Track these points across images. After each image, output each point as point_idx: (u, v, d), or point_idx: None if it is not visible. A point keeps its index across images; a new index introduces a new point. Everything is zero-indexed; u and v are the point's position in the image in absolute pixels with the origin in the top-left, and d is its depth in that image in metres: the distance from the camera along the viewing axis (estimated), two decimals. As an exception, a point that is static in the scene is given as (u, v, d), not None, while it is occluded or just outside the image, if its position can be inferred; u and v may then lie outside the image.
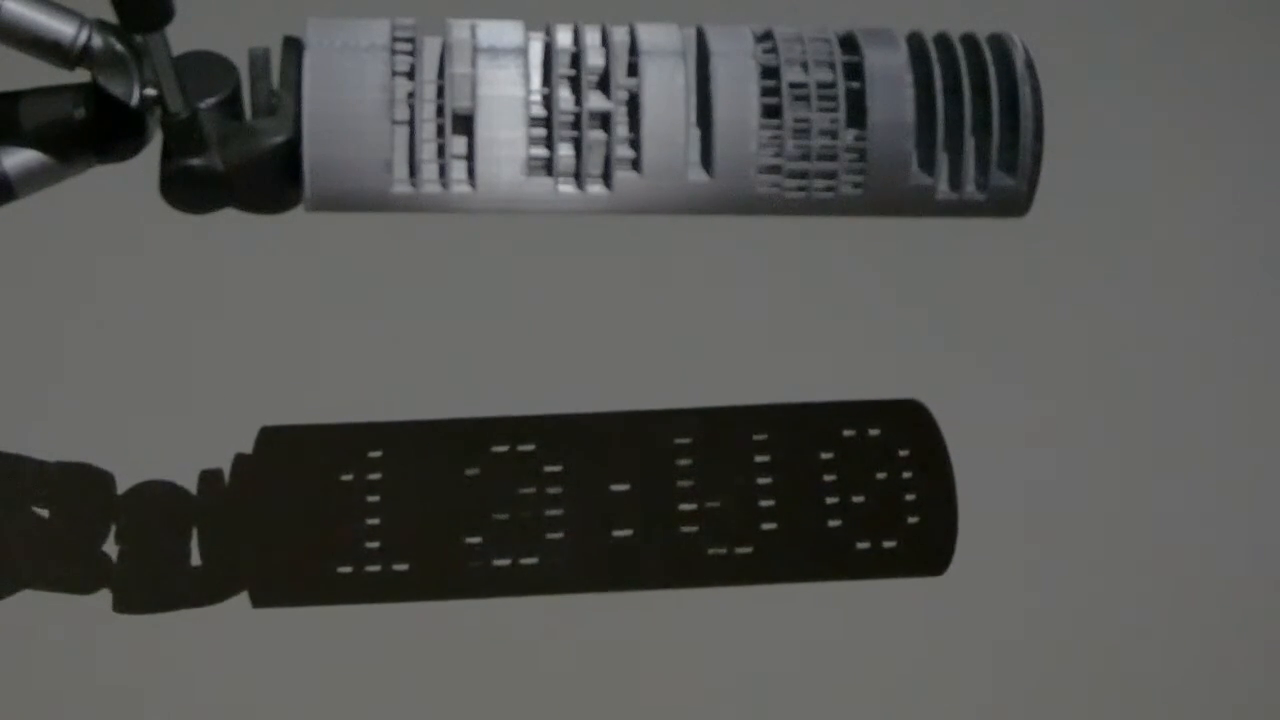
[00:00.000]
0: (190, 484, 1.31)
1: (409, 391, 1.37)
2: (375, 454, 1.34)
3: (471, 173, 0.88)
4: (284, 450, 1.33)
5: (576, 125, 0.89)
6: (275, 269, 1.42)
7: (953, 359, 1.43)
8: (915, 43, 0.90)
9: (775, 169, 0.89)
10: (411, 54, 0.88)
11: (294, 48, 0.88)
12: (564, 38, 0.90)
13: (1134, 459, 1.40)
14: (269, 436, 1.33)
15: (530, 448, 1.34)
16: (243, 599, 1.29)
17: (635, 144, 0.89)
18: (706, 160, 0.89)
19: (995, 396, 1.41)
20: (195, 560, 1.31)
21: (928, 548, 1.33)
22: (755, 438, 1.36)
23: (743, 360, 1.42)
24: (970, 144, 0.90)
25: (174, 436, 1.34)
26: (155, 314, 1.41)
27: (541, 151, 0.89)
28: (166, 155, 0.88)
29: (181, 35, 0.83)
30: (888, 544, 1.33)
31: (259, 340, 1.40)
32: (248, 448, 1.32)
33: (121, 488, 1.31)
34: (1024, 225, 0.92)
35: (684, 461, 1.35)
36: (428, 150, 0.88)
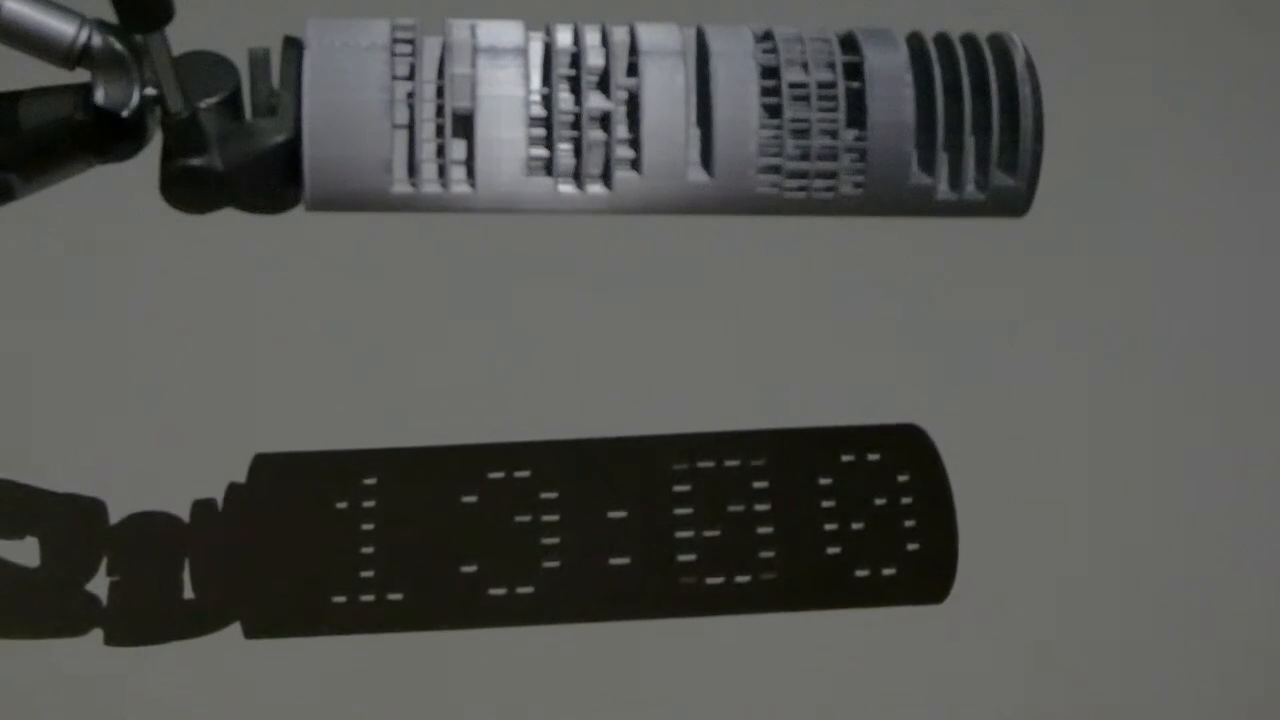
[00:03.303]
0: (183, 511, 1.30)
1: (407, 406, 1.37)
2: (370, 481, 1.33)
3: (471, 173, 0.88)
4: (278, 477, 1.32)
5: (576, 125, 0.89)
6: (275, 272, 1.42)
7: (953, 378, 1.42)
8: (915, 43, 0.90)
9: (775, 169, 0.89)
10: (411, 54, 0.88)
11: (294, 48, 0.88)
12: (564, 38, 0.90)
13: (1139, 483, 1.39)
14: (263, 463, 1.32)
15: (526, 474, 1.34)
16: (235, 630, 1.28)
17: (635, 144, 0.89)
18: (706, 160, 0.89)
19: (996, 418, 1.41)
20: (187, 591, 1.30)
21: (928, 575, 1.33)
22: (753, 463, 1.35)
23: (740, 382, 1.41)
24: (970, 144, 0.90)
25: (168, 458, 1.33)
26: (153, 324, 1.41)
27: (541, 151, 0.89)
28: (166, 155, 0.87)
29: (181, 35, 0.84)
30: (887, 571, 1.33)
31: (257, 355, 1.40)
32: (243, 463, 1.32)
33: (114, 507, 1.30)
34: (1024, 226, 0.92)
35: (682, 488, 1.34)
36: (428, 150, 0.88)
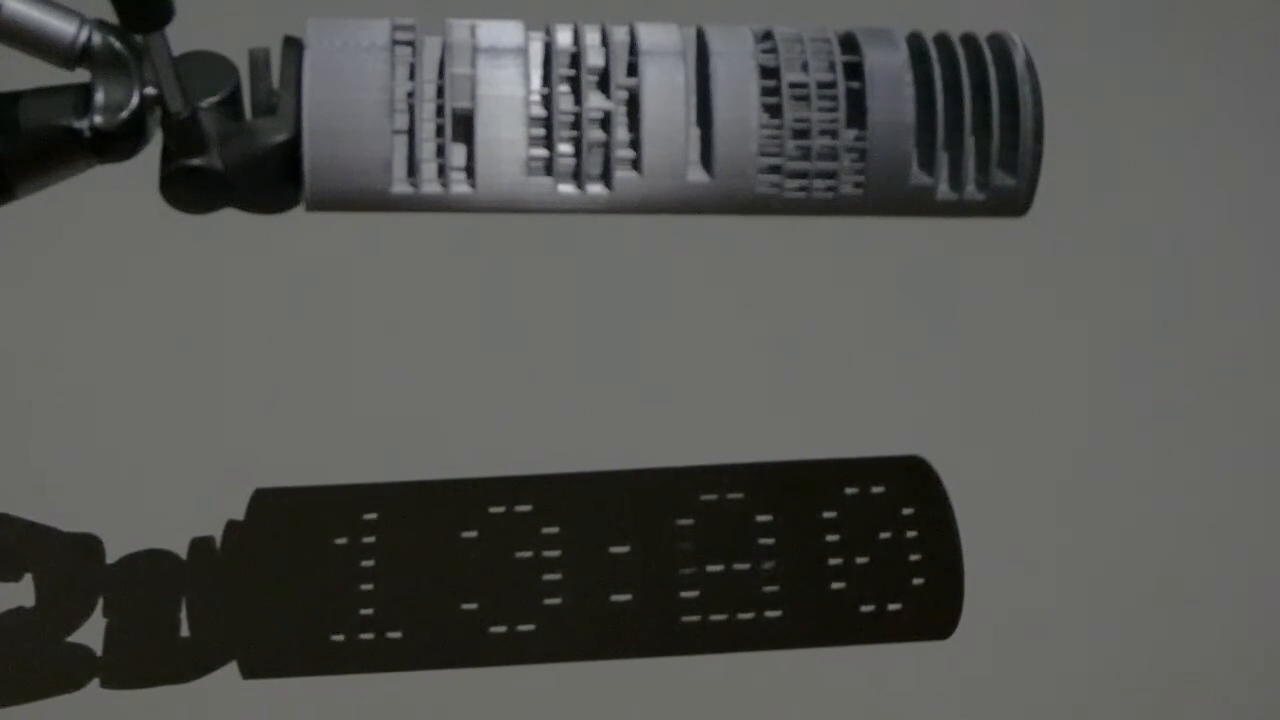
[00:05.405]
0: (181, 549, 1.29)
1: (406, 438, 1.36)
2: (370, 516, 1.32)
3: (471, 173, 0.88)
4: (276, 513, 1.31)
5: (576, 125, 0.89)
6: (271, 287, 1.42)
7: (955, 396, 1.42)
8: (915, 43, 0.91)
9: (775, 169, 0.89)
10: (411, 54, 0.88)
11: (294, 48, 0.88)
12: (564, 38, 0.90)
13: (1151, 508, 1.38)
14: (262, 498, 1.31)
15: (528, 509, 1.33)
16: (232, 669, 1.27)
17: (635, 144, 0.88)
18: (706, 160, 0.89)
19: (1001, 443, 1.40)
20: (184, 631, 1.28)
21: (934, 610, 1.31)
22: (756, 497, 1.34)
23: (743, 405, 1.41)
24: (970, 144, 0.90)
25: (165, 493, 1.32)
26: (151, 342, 1.40)
27: (541, 151, 0.88)
28: (166, 155, 0.87)
29: (181, 35, 0.84)
30: (892, 607, 1.31)
31: (255, 383, 1.39)
32: (241, 496, 1.31)
33: (110, 545, 1.29)
34: (1024, 226, 0.92)
35: (684, 522, 1.33)
36: (427, 150, 0.87)
